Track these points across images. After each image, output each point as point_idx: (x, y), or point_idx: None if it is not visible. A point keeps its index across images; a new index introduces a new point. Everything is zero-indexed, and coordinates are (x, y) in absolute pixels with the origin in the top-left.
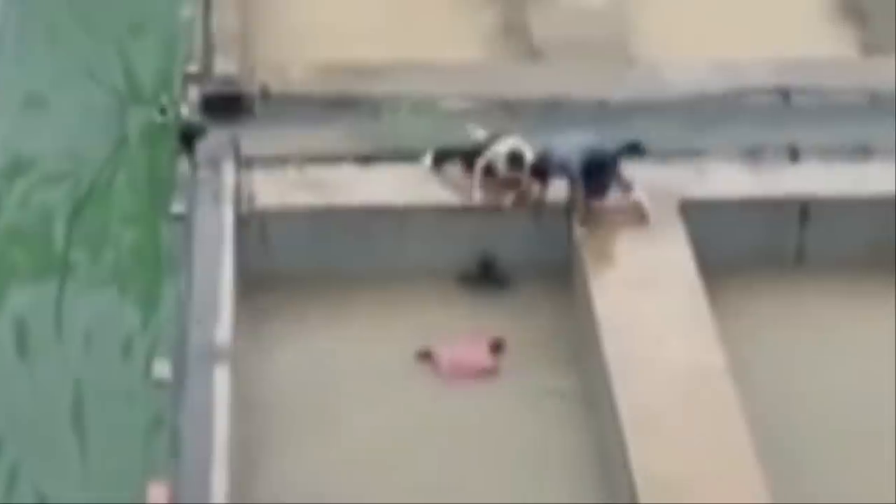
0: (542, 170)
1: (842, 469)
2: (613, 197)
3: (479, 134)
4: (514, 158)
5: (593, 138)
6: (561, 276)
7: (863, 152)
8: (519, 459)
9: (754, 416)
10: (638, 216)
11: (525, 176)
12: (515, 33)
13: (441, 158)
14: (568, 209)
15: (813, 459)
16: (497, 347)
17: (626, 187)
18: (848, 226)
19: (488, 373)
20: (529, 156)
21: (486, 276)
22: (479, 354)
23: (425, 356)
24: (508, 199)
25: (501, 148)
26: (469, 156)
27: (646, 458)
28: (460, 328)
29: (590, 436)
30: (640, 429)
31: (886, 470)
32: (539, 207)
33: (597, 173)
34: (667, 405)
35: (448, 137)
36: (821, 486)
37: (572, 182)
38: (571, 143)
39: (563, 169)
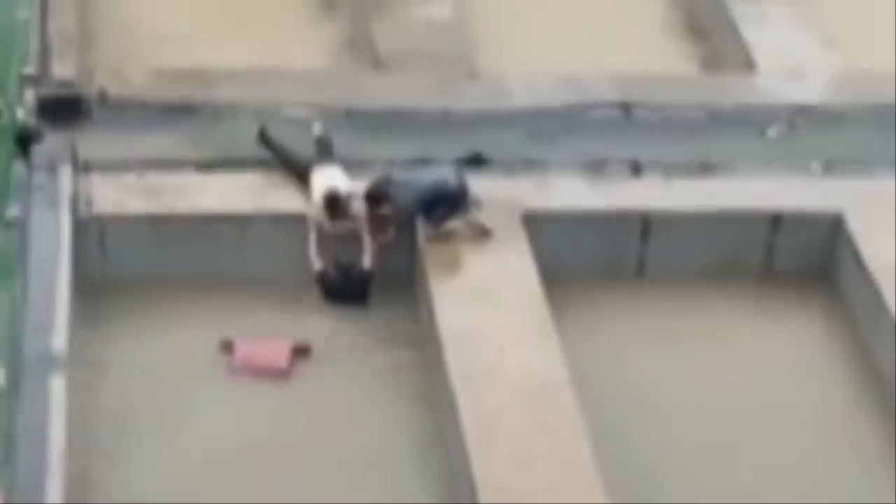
0: (376, 198)
1: (684, 479)
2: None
3: (316, 128)
4: (331, 202)
5: (439, 172)
6: (404, 286)
7: (703, 168)
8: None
9: (595, 428)
10: (480, 232)
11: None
12: (360, 44)
13: (266, 141)
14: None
15: (654, 470)
16: (301, 352)
17: (470, 208)
18: (688, 240)
19: (279, 374)
20: (347, 188)
21: (346, 284)
22: (275, 355)
23: (227, 347)
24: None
25: (325, 181)
26: (296, 168)
27: (488, 469)
28: (294, 334)
29: (401, 445)
30: (482, 439)
31: (730, 477)
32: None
33: (440, 207)
34: (509, 416)
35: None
36: (661, 497)
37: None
38: (414, 182)
39: (402, 207)
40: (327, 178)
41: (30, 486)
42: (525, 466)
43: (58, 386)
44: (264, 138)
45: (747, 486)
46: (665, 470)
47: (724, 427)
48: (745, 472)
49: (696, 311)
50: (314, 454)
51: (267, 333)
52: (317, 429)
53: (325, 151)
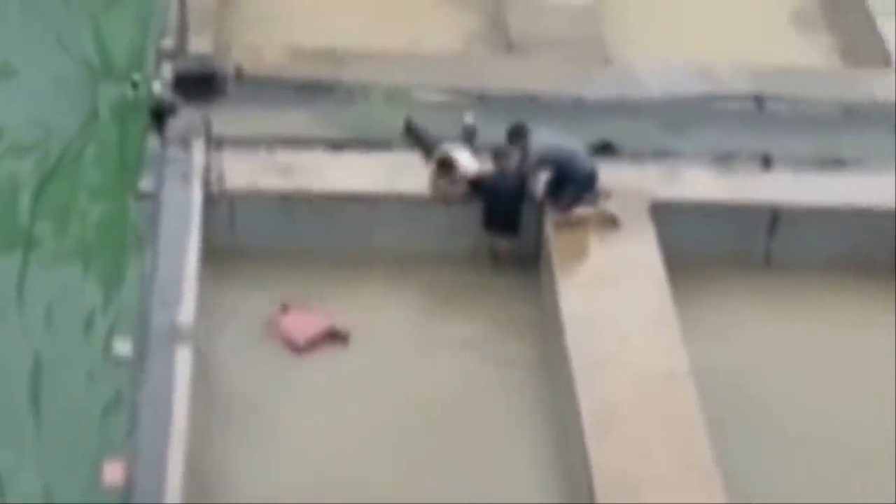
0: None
1: (801, 473)
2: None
3: (468, 117)
4: (444, 163)
5: (572, 147)
6: (529, 271)
7: (835, 163)
8: None
9: (715, 419)
10: (608, 220)
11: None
12: (495, 29)
13: (412, 132)
14: (539, 206)
15: (772, 463)
16: (337, 337)
17: (598, 196)
18: (816, 234)
19: (294, 349)
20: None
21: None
22: (301, 330)
23: (283, 309)
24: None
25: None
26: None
27: (605, 457)
28: (412, 312)
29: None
30: (601, 427)
31: (843, 475)
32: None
33: (568, 189)
34: (628, 405)
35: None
36: (779, 489)
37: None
38: (548, 144)
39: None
40: (454, 151)
41: (151, 458)
42: (642, 456)
43: (183, 358)
44: (410, 129)
45: (875, 484)
46: (785, 462)
47: (848, 420)
48: (872, 468)
49: (821, 304)
50: (431, 437)
51: (379, 311)
52: (432, 412)
53: (468, 140)
